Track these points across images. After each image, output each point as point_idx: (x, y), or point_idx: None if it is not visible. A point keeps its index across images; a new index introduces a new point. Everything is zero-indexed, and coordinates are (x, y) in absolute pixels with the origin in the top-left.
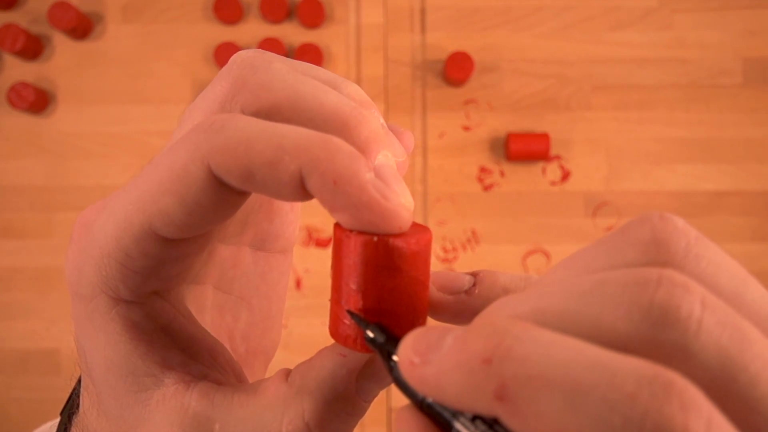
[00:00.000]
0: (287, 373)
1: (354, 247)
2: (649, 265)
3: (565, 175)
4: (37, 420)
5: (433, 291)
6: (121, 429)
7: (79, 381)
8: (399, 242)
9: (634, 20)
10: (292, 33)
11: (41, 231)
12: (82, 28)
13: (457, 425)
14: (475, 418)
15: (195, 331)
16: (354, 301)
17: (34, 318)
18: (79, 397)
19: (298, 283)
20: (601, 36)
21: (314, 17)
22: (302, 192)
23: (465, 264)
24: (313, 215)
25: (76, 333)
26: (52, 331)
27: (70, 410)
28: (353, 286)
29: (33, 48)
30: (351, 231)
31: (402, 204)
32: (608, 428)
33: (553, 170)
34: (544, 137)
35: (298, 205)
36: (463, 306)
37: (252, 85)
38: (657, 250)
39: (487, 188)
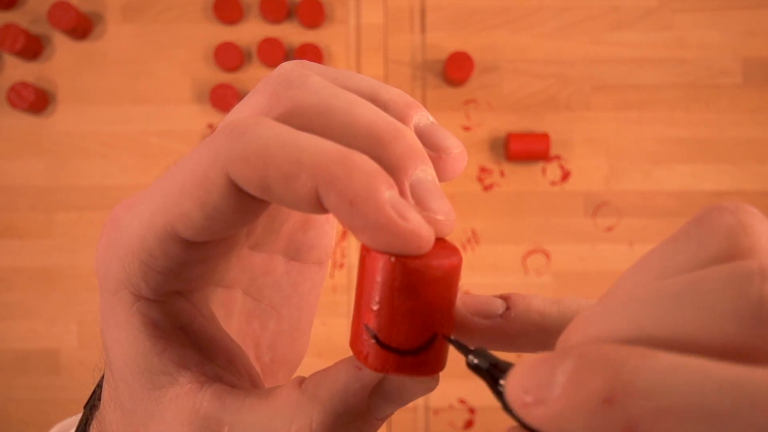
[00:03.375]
0: (302, 381)
1: (372, 265)
2: (737, 252)
3: (565, 175)
4: (38, 420)
5: (468, 316)
6: (133, 424)
7: (104, 375)
8: (419, 265)
9: (634, 20)
10: (292, 33)
11: (41, 231)
12: (82, 28)
13: None
14: None
15: (214, 333)
16: (368, 319)
17: (34, 318)
18: (102, 389)
19: None
20: (601, 36)
21: (314, 17)
22: (320, 207)
23: (465, 264)
24: None
25: (102, 326)
26: (52, 331)
27: (92, 403)
28: (370, 304)
29: (33, 48)
30: (371, 248)
31: (422, 224)
32: None
33: (553, 170)
34: (544, 137)
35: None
36: (499, 329)
37: (285, 101)
38: (745, 233)
39: (487, 188)
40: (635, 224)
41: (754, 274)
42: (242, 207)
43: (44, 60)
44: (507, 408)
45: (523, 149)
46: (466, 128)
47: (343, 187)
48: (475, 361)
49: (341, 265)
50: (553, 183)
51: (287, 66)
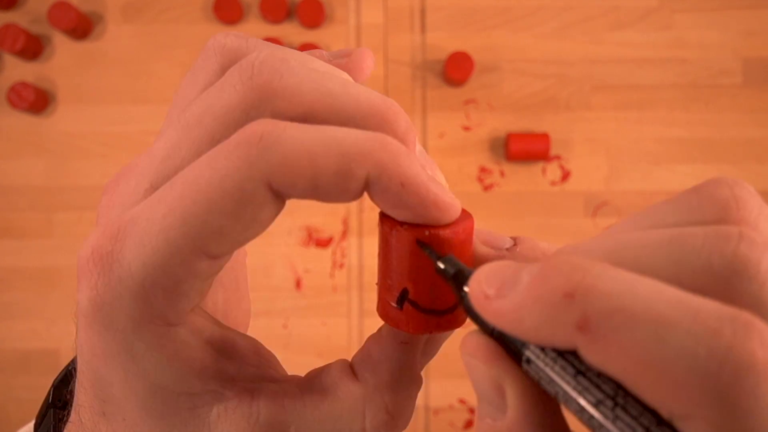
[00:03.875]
0: (348, 371)
1: (405, 240)
2: (725, 221)
3: (565, 175)
4: None
5: (478, 245)
6: None
7: (51, 403)
8: (448, 233)
9: (634, 20)
10: (292, 33)
11: (41, 231)
12: (82, 28)
13: (528, 352)
14: (544, 347)
15: (226, 334)
16: (407, 290)
17: (34, 318)
18: (61, 422)
19: (298, 284)
20: (601, 36)
21: (314, 17)
22: (360, 194)
23: None
24: (313, 215)
25: (96, 365)
26: (52, 331)
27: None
28: (405, 276)
29: (33, 48)
30: (401, 224)
31: (452, 195)
32: (693, 359)
33: (553, 170)
34: (544, 137)
35: None
36: None
37: (282, 92)
38: (737, 206)
39: (487, 188)
40: None
41: (732, 236)
42: (278, 210)
43: (44, 60)
44: (469, 311)
45: (523, 149)
46: (466, 128)
47: (393, 172)
48: (443, 266)
49: (341, 265)
50: (553, 183)
51: (259, 57)
